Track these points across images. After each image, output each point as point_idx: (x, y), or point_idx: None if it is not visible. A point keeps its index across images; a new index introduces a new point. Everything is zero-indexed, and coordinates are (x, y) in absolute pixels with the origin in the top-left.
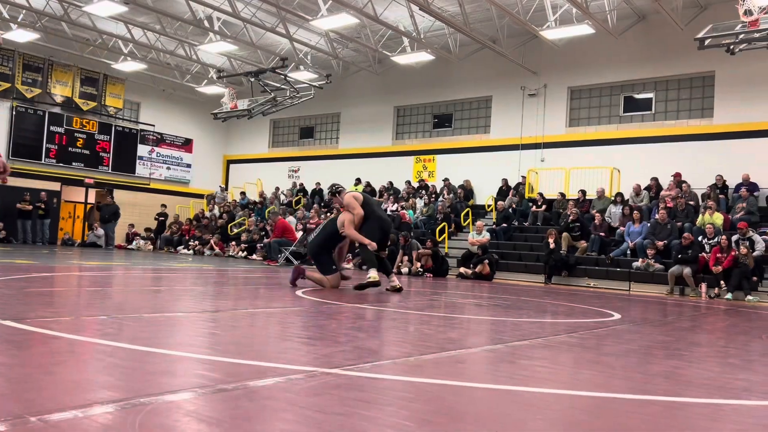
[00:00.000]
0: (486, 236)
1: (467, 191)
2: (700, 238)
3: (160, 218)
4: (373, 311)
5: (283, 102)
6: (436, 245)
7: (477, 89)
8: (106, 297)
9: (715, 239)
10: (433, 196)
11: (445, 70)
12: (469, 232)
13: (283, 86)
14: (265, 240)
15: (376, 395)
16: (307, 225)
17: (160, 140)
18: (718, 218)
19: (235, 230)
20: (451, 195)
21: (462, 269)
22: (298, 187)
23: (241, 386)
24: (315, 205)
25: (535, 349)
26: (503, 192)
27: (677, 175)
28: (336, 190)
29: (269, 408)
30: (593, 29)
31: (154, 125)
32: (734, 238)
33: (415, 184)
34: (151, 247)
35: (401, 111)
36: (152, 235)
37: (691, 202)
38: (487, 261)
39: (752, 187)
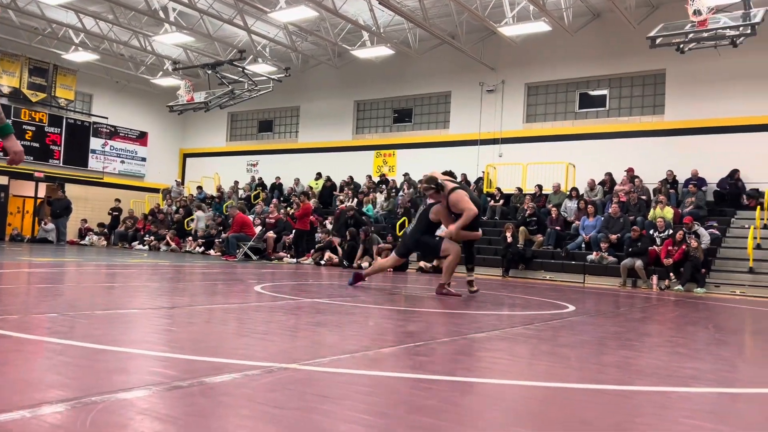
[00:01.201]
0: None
1: None
2: (651, 232)
3: (114, 213)
4: (333, 306)
5: (241, 95)
6: (397, 240)
7: (436, 84)
8: (57, 294)
9: (666, 233)
10: (394, 190)
11: (405, 65)
12: None
13: (241, 79)
14: (223, 235)
15: (334, 389)
16: (266, 220)
17: (113, 133)
18: (669, 212)
19: (192, 225)
20: (412, 190)
21: (422, 263)
22: (256, 181)
23: (197, 383)
24: (274, 200)
25: (493, 341)
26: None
27: (630, 170)
28: (438, 185)
29: (225, 404)
30: (550, 26)
31: (107, 118)
32: (683, 230)
33: (376, 179)
34: (104, 242)
35: (361, 105)
36: (106, 230)
37: (643, 197)
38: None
39: (700, 182)
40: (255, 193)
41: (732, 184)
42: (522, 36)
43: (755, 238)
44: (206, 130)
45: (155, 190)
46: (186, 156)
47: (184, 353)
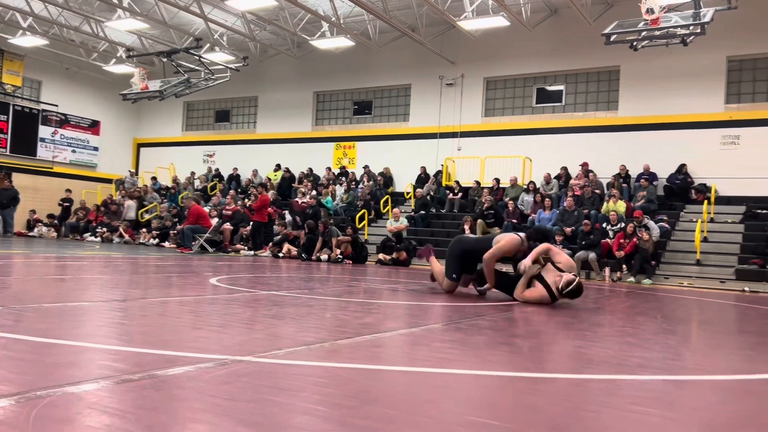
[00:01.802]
0: (403, 223)
1: (387, 178)
2: (604, 225)
3: (65, 204)
4: (290, 298)
5: (198, 84)
6: (356, 232)
7: (396, 77)
8: (3, 287)
9: (618, 226)
10: (353, 183)
11: (365, 57)
12: (388, 219)
13: (197, 68)
14: (179, 227)
15: (289, 381)
16: (223, 211)
17: (64, 121)
18: (621, 206)
19: (147, 216)
20: (371, 182)
21: (381, 255)
22: (213, 172)
23: (148, 376)
24: (231, 191)
25: (449, 332)
26: (422, 180)
27: (585, 165)
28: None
29: (176, 397)
30: (508, 21)
31: (57, 105)
32: (633, 224)
33: (336, 171)
34: (54, 234)
35: (321, 97)
36: (56, 221)
37: (597, 191)
38: (403, 248)
39: (652, 176)
40: (212, 184)
41: (681, 179)
42: (481, 30)
43: (702, 231)
44: (161, 119)
45: (108, 181)
46: (140, 146)
47: (136, 346)
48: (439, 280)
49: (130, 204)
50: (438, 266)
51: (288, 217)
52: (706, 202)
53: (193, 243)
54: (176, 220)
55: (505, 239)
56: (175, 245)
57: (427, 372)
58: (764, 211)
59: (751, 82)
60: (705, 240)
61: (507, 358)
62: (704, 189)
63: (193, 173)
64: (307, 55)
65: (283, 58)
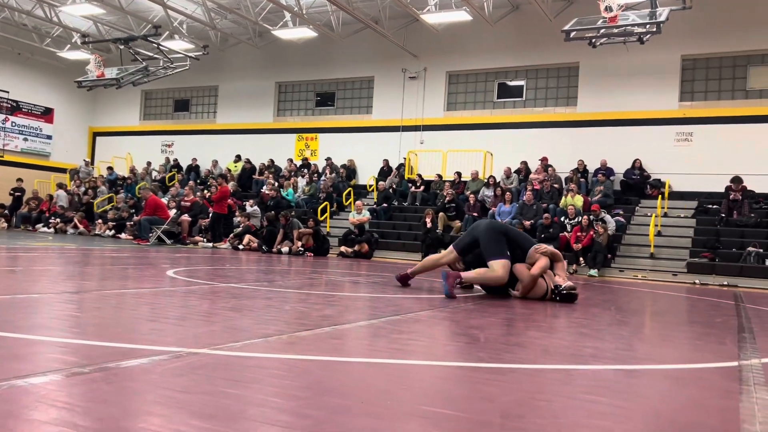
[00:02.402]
0: (366, 215)
1: (350, 171)
2: (562, 218)
3: (16, 194)
4: (249, 291)
5: (156, 72)
6: (318, 224)
7: (359, 69)
8: None
9: (576, 219)
10: (316, 175)
11: (328, 48)
12: (350, 212)
13: (155, 55)
14: (135, 218)
15: (245, 373)
16: (181, 202)
17: (15, 108)
18: (579, 200)
19: (102, 207)
20: (334, 174)
21: (343, 248)
22: (171, 162)
23: (99, 369)
24: (191, 182)
25: (408, 323)
26: (384, 172)
27: (544, 159)
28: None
29: (129, 390)
30: (471, 16)
31: (8, 92)
32: (591, 217)
33: (298, 163)
34: (5, 224)
35: (283, 87)
36: (6, 212)
37: (556, 185)
38: (365, 240)
39: (608, 171)
40: (170, 174)
41: (637, 174)
42: (444, 24)
43: (656, 225)
44: (118, 107)
45: (62, 170)
46: (96, 135)
47: (88, 339)
48: (490, 277)
49: (60, 194)
50: (477, 274)
51: (250, 209)
52: (660, 197)
53: (151, 234)
54: (133, 211)
55: (544, 260)
56: (131, 237)
57: (384, 363)
58: (715, 207)
59: (704, 80)
60: (659, 234)
61: (464, 349)
62: (659, 184)
63: (149, 163)
64: (268, 45)
65: (244, 47)
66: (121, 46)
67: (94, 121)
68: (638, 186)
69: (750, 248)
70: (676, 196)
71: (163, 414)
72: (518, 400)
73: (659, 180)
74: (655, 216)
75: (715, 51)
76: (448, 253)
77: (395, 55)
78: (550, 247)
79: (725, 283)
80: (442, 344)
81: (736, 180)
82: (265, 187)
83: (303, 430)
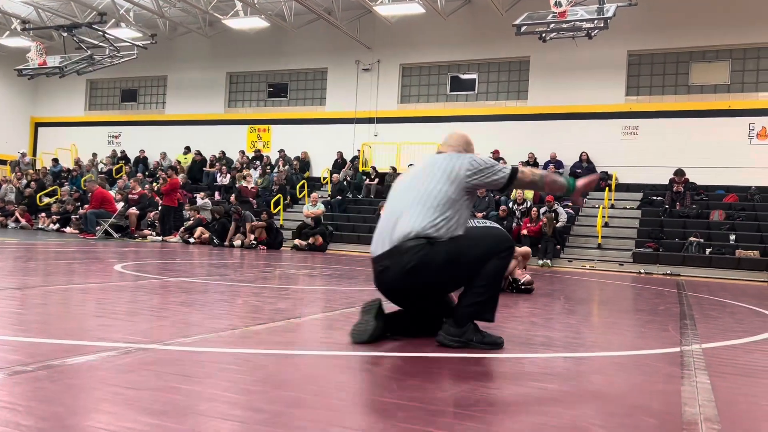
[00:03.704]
0: (321, 208)
1: (303, 163)
2: (511, 206)
3: None
4: (200, 285)
5: (102, 61)
6: (271, 217)
7: (312, 60)
8: None
9: (525, 205)
10: (269, 167)
11: (281, 39)
12: (304, 204)
13: (101, 44)
14: (81, 211)
15: (196, 368)
16: (129, 195)
17: None
18: (529, 192)
19: (46, 200)
20: (287, 166)
21: (296, 241)
22: (119, 154)
23: (43, 366)
24: (139, 174)
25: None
26: (338, 165)
27: (496, 152)
28: None
29: (75, 388)
30: (423, 9)
31: None
32: (542, 210)
33: (250, 155)
34: None
35: (234, 78)
36: None
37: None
38: (319, 233)
39: (558, 164)
40: (117, 166)
41: (585, 167)
42: (397, 17)
43: (604, 217)
44: (62, 97)
45: (2, 162)
46: (38, 125)
47: (32, 336)
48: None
49: (5, 186)
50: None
51: (201, 201)
52: (607, 189)
53: (97, 228)
54: (78, 204)
55: (513, 263)
56: (77, 231)
57: (338, 355)
58: (659, 198)
59: (649, 76)
60: (606, 225)
61: (417, 339)
62: (606, 177)
63: (95, 155)
64: (219, 35)
65: (194, 36)
66: (65, 34)
67: (36, 111)
68: None
69: (692, 238)
70: (622, 188)
71: (110, 411)
72: (470, 388)
73: (606, 172)
74: (603, 208)
75: (659, 47)
76: None
77: (349, 46)
78: (523, 248)
79: (668, 272)
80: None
81: (679, 173)
82: (245, 182)
83: (257, 424)
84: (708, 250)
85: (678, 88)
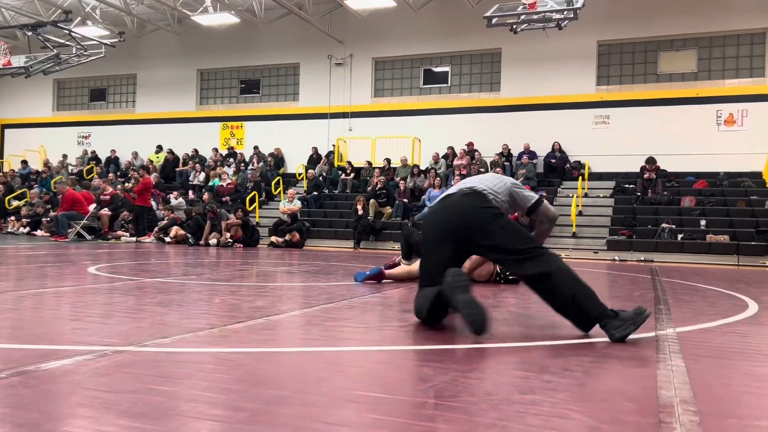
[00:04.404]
0: (297, 204)
1: (278, 159)
2: None
3: None
4: (177, 285)
5: (69, 60)
6: (247, 215)
7: (284, 56)
8: None
9: None
10: (243, 164)
11: (252, 34)
12: (280, 201)
13: (68, 43)
14: (52, 213)
15: (175, 369)
16: (101, 196)
17: None
18: None
19: (15, 203)
20: (261, 163)
21: (273, 238)
22: (89, 154)
23: (17, 373)
24: (110, 174)
25: (342, 310)
26: (314, 160)
27: (470, 144)
28: None
29: (51, 393)
30: (395, 2)
31: None
32: None
33: (223, 152)
34: None
35: (205, 74)
36: None
37: (482, 169)
38: (296, 229)
39: (531, 155)
40: (88, 167)
41: (558, 157)
42: (368, 10)
43: (578, 206)
44: (28, 98)
45: None
46: (4, 127)
47: (4, 342)
48: (413, 274)
49: None
50: (401, 271)
51: (175, 201)
52: (580, 178)
53: (69, 231)
54: (49, 206)
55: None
56: (48, 233)
57: (318, 351)
58: (631, 186)
59: (619, 65)
60: (580, 214)
61: (397, 333)
62: (579, 166)
63: (65, 156)
64: (189, 31)
65: (163, 33)
66: (29, 33)
67: (1, 113)
68: (560, 168)
69: (664, 225)
70: (595, 177)
71: (88, 416)
72: (451, 379)
73: (579, 162)
74: (576, 197)
75: (628, 36)
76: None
77: (321, 41)
78: None
79: (642, 258)
80: (376, 329)
81: (650, 160)
82: (220, 181)
83: (238, 423)
84: (680, 236)
85: (647, 77)
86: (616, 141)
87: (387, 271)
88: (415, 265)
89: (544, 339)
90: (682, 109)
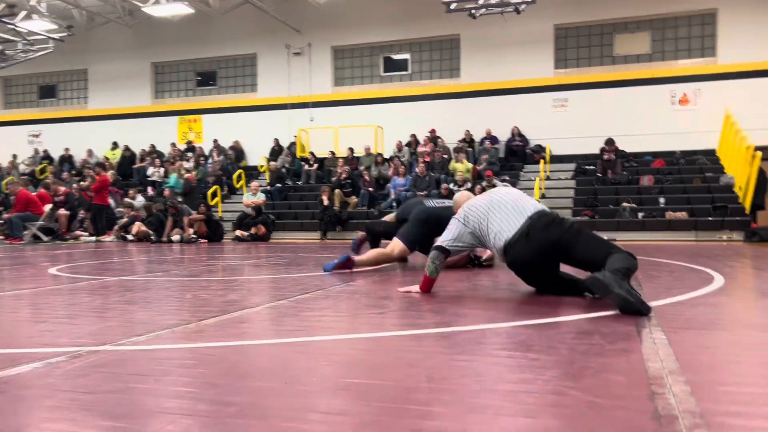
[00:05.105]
0: (261, 197)
1: (238, 152)
2: (452, 186)
3: None
4: (143, 282)
5: (15, 56)
6: (209, 209)
7: (241, 46)
8: None
9: (466, 186)
10: (202, 158)
11: (207, 25)
12: (243, 194)
13: (12, 38)
14: (5, 215)
15: (154, 366)
16: (54, 198)
17: None
18: (463, 166)
19: None
20: (222, 157)
21: (238, 232)
22: (41, 153)
23: None
24: (65, 173)
25: (318, 300)
26: (275, 152)
27: (432, 131)
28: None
29: (25, 398)
30: None
31: None
32: (483, 184)
33: (182, 146)
34: None
35: (160, 68)
36: None
37: (446, 156)
38: (262, 222)
39: (493, 140)
40: (41, 167)
41: (519, 141)
42: None
43: (540, 189)
44: None
45: None
46: None
47: None
48: (385, 257)
49: None
50: (369, 257)
51: (138, 203)
52: (542, 161)
53: (25, 233)
54: (2, 208)
55: None
56: (2, 236)
57: (301, 341)
58: (591, 167)
59: (576, 48)
60: (543, 197)
61: (378, 320)
62: (540, 150)
63: (15, 156)
64: (141, 24)
65: (113, 26)
66: None
67: None
68: (521, 152)
69: (624, 204)
70: (556, 159)
71: (69, 419)
72: (440, 363)
73: (540, 145)
74: (539, 180)
75: (584, 20)
76: (396, 245)
77: (278, 30)
78: None
79: (605, 238)
80: (355, 317)
81: (609, 142)
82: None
83: (227, 417)
84: (640, 214)
85: (603, 60)
86: (575, 123)
87: (356, 258)
88: (390, 247)
89: (522, 319)
90: (638, 90)
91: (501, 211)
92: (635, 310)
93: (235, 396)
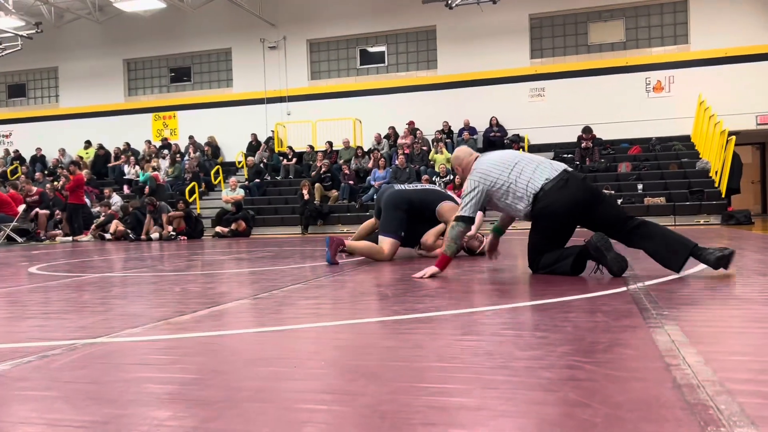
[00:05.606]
0: (240, 193)
1: (214, 148)
2: (434, 178)
3: None
4: (129, 278)
5: None
6: (188, 206)
7: (215, 41)
8: None
9: (447, 178)
10: (178, 155)
11: (179, 21)
12: (221, 191)
13: None
14: None
15: (157, 356)
16: (27, 199)
17: None
18: (442, 157)
19: None
20: (198, 153)
21: (218, 228)
22: (12, 154)
23: None
24: (38, 173)
25: (312, 289)
26: (253, 147)
27: (411, 123)
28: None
29: (25, 390)
30: None
31: None
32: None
33: (157, 144)
34: None
35: (132, 64)
36: None
37: (425, 147)
38: (242, 218)
39: (472, 130)
40: (12, 167)
41: (497, 131)
42: None
43: None
44: None
45: None
46: None
47: None
48: (376, 255)
49: None
50: (361, 244)
51: (114, 205)
52: (520, 150)
53: None
54: None
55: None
56: None
57: (302, 328)
58: (569, 156)
59: (551, 38)
60: None
61: (376, 305)
62: (518, 139)
63: None
64: (112, 20)
65: (84, 23)
66: None
67: None
68: (499, 142)
69: (603, 191)
70: (534, 149)
71: (76, 408)
72: (448, 343)
73: (518, 135)
74: None
75: (558, 9)
76: (384, 244)
77: (252, 25)
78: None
79: None
80: (353, 303)
81: (587, 130)
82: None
83: (241, 401)
84: (619, 201)
85: (579, 48)
86: (552, 112)
87: (348, 242)
88: (380, 247)
89: (522, 300)
90: (613, 78)
91: (533, 161)
92: (624, 266)
93: (245, 381)
